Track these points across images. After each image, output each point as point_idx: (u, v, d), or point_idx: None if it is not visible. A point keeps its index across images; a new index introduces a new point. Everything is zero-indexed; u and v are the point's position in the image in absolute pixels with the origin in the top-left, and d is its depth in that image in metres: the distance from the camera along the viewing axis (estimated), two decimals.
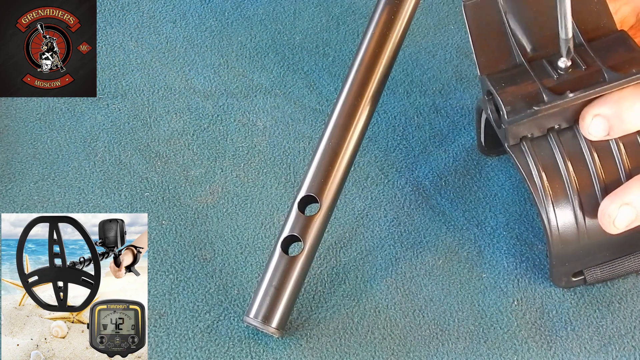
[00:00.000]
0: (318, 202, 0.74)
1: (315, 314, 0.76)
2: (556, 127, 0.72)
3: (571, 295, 0.76)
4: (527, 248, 0.78)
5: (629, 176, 0.71)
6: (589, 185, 0.71)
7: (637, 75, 0.70)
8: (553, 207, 0.71)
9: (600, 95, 0.70)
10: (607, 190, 0.71)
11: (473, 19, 0.74)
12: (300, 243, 0.74)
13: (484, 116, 0.78)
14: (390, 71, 0.77)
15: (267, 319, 0.73)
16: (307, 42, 0.90)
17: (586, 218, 0.71)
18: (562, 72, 0.71)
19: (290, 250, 0.74)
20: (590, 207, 0.71)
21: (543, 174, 0.71)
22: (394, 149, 0.84)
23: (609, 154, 0.71)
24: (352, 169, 0.76)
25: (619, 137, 0.71)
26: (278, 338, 0.75)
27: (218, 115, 0.87)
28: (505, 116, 0.71)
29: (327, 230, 0.76)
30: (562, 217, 0.72)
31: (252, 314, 0.74)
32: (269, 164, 0.84)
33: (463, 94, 0.86)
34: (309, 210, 0.75)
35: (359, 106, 0.76)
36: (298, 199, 0.75)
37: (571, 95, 0.70)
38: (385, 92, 0.79)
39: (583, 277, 0.75)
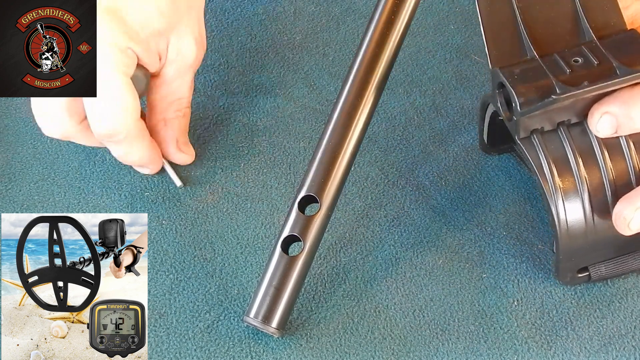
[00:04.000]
0: (318, 202, 0.74)
1: (315, 314, 0.76)
2: (566, 121, 0.72)
3: (571, 295, 0.76)
4: (527, 248, 0.78)
5: (639, 174, 0.72)
6: (598, 181, 0.71)
7: None
8: (562, 200, 0.71)
9: (610, 93, 0.70)
10: (616, 186, 0.71)
11: (486, 12, 0.74)
12: (300, 243, 0.74)
13: (489, 111, 0.78)
14: (390, 71, 0.77)
15: (267, 319, 0.73)
16: (307, 42, 0.90)
17: (594, 213, 0.72)
18: (574, 66, 0.71)
19: (290, 250, 0.74)
20: (598, 202, 0.71)
21: (553, 167, 0.71)
22: (394, 149, 0.84)
23: (619, 151, 0.71)
24: (352, 169, 0.76)
25: (629, 135, 0.71)
26: (278, 338, 0.75)
27: (218, 115, 0.87)
28: (518, 107, 0.70)
29: (327, 230, 0.76)
30: (571, 212, 0.72)
31: (252, 314, 0.74)
32: (269, 164, 0.84)
33: (463, 94, 0.86)
34: (309, 210, 0.75)
35: (359, 106, 0.76)
36: (298, 199, 0.75)
37: (586, 85, 0.69)
38: (385, 92, 0.79)
39: (588, 273, 0.75)
